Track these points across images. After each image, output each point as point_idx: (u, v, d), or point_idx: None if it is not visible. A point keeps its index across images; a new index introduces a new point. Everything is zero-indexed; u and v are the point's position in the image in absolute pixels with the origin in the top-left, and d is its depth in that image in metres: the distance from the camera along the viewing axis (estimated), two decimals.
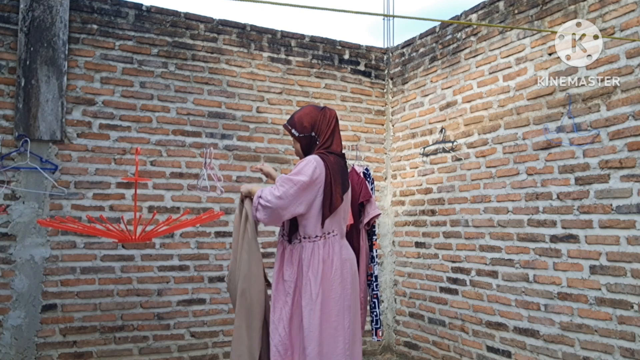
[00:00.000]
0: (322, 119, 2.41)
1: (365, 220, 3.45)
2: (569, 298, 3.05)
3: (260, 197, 2.29)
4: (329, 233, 2.34)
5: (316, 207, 2.31)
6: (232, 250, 2.54)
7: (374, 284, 3.50)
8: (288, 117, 4.23)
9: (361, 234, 3.45)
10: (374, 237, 3.56)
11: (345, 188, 2.38)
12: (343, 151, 2.51)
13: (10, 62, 3.42)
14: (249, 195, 2.42)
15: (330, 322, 2.28)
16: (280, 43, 4.27)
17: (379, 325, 3.55)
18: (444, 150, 4.04)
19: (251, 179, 4.06)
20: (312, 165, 2.27)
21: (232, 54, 4.08)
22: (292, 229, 2.38)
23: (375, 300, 3.52)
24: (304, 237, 2.34)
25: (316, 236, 2.33)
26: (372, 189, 3.60)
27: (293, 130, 2.43)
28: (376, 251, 3.54)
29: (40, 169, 3.40)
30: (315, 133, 2.41)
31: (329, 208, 2.30)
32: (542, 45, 3.30)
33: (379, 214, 3.50)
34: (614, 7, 2.90)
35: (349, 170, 3.70)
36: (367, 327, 3.82)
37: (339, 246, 2.37)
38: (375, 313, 3.51)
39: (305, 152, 2.45)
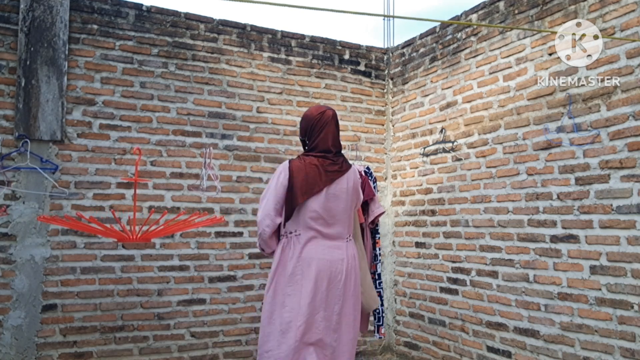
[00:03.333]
0: (315, 122, 2.52)
1: (370, 219, 3.45)
2: (569, 298, 3.05)
3: (258, 244, 2.57)
4: (291, 232, 2.47)
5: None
6: None
7: (377, 281, 3.50)
8: (288, 117, 4.25)
9: (366, 232, 3.45)
10: (377, 236, 3.55)
11: (311, 188, 2.42)
12: (337, 149, 2.59)
13: (10, 62, 3.42)
14: None
15: (283, 318, 2.38)
16: (281, 43, 4.27)
17: (381, 323, 3.54)
18: (444, 150, 4.04)
19: (251, 179, 4.06)
20: (278, 172, 2.49)
21: (232, 54, 4.08)
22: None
23: (379, 298, 3.51)
24: (281, 235, 2.54)
25: (282, 234, 2.52)
26: (374, 187, 3.60)
27: (299, 134, 2.67)
28: (379, 249, 3.54)
29: (40, 169, 3.40)
30: (306, 138, 2.56)
31: (289, 207, 2.45)
32: (542, 45, 3.30)
33: (383, 212, 3.50)
34: (614, 7, 2.90)
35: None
36: (370, 327, 3.82)
37: (304, 246, 2.44)
38: (377, 311, 3.51)
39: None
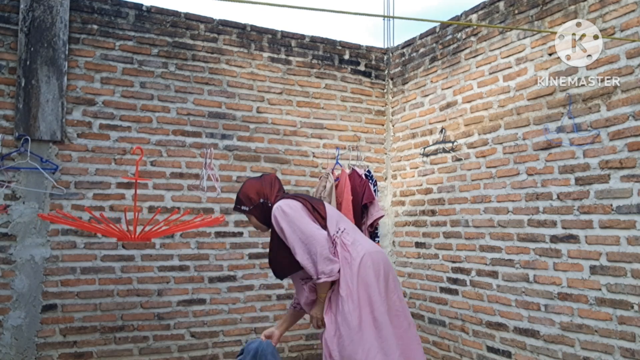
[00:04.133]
0: (264, 184, 2.60)
1: (369, 222, 3.46)
2: (569, 298, 3.05)
3: (322, 273, 2.35)
4: (336, 233, 2.47)
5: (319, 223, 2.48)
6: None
7: None
8: (288, 117, 4.24)
9: (365, 235, 3.45)
10: (377, 239, 3.55)
11: (313, 200, 2.58)
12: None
13: (10, 62, 3.42)
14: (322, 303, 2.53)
15: (368, 315, 2.36)
16: (281, 43, 4.27)
17: None
18: (444, 151, 4.04)
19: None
20: (289, 214, 2.43)
21: (232, 54, 4.08)
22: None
23: None
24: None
25: (331, 245, 2.43)
26: (375, 191, 3.60)
27: (243, 207, 2.60)
28: None
29: (40, 169, 3.40)
30: (263, 199, 2.57)
31: (321, 217, 2.48)
32: (542, 45, 3.30)
33: (382, 216, 3.50)
34: (614, 7, 2.90)
35: (349, 172, 3.73)
36: None
37: (354, 240, 2.47)
38: None
39: (262, 219, 2.60)
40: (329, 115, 4.42)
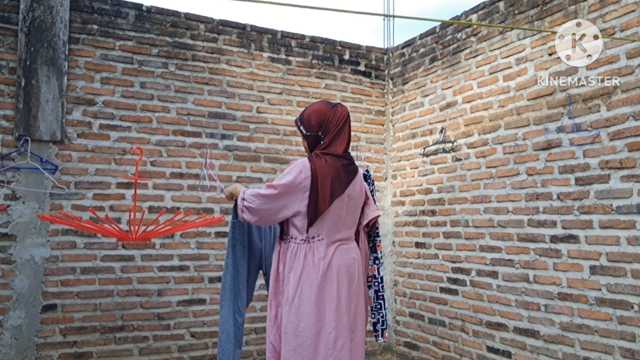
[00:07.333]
0: (331, 117, 2.33)
1: (364, 222, 3.44)
2: (569, 298, 3.05)
3: (243, 198, 2.29)
4: (313, 237, 2.30)
5: (303, 211, 2.26)
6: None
7: (380, 284, 3.49)
8: (288, 117, 4.24)
9: (360, 235, 3.45)
10: (378, 239, 3.55)
11: (336, 192, 2.28)
12: (349, 151, 2.43)
13: (10, 62, 3.42)
14: (232, 198, 2.42)
15: (310, 326, 2.22)
16: (281, 43, 4.28)
17: (385, 327, 3.54)
18: (444, 151, 4.04)
19: (251, 179, 4.06)
20: (296, 169, 2.24)
21: (232, 54, 4.09)
22: (282, 228, 2.39)
23: (382, 301, 3.51)
24: (292, 238, 2.33)
25: (301, 239, 2.30)
26: (372, 191, 3.59)
27: (301, 128, 2.37)
28: (381, 252, 3.54)
29: (40, 169, 3.40)
30: (322, 133, 2.34)
31: (313, 213, 2.25)
32: (542, 45, 3.30)
33: (379, 216, 3.49)
34: (614, 7, 2.90)
35: None
36: (369, 327, 3.81)
37: (326, 250, 2.31)
38: (381, 314, 3.50)
39: (311, 150, 2.40)
40: None
